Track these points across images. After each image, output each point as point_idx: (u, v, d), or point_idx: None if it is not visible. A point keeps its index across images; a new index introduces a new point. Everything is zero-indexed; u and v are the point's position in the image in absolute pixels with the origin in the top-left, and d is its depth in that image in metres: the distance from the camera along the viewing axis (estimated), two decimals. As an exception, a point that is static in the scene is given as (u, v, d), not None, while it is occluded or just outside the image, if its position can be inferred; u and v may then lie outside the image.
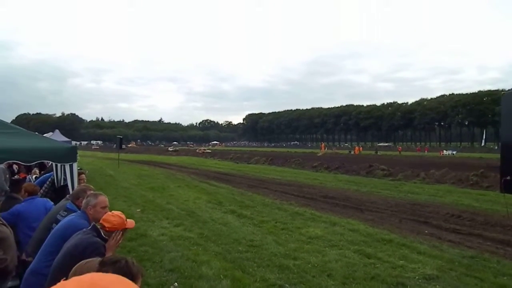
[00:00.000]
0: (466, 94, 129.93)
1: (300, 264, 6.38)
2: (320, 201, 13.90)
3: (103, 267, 1.81)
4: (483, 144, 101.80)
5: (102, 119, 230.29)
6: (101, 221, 2.94)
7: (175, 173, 26.21)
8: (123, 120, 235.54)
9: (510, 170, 3.82)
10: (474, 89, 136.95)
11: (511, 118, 3.90)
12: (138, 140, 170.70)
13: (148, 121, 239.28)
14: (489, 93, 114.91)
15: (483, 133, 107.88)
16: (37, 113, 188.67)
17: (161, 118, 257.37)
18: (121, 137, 33.10)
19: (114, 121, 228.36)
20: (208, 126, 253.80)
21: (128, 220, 3.03)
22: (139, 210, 11.39)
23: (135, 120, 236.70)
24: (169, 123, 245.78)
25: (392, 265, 6.38)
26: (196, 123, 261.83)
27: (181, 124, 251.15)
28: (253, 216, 10.64)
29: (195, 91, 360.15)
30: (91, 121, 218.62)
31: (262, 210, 11.57)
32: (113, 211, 3.08)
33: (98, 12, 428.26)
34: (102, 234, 2.90)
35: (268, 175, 24.68)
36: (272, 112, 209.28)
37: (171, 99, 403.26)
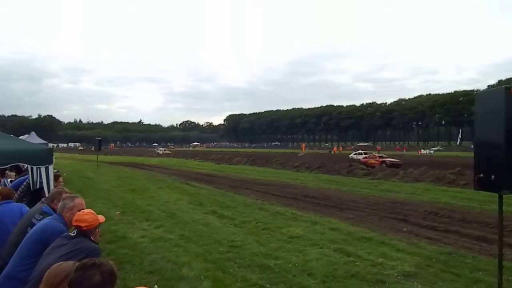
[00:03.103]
0: (443, 94, 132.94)
1: (281, 263, 6.39)
2: (302, 200, 13.97)
3: (87, 271, 1.78)
4: (459, 143, 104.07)
5: (80, 120, 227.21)
6: (75, 223, 2.89)
7: (156, 174, 25.98)
8: (102, 122, 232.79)
9: (483, 168, 3.90)
10: (451, 89, 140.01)
11: (484, 118, 3.98)
12: (118, 142, 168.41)
13: (128, 122, 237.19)
14: (465, 93, 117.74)
15: (459, 132, 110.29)
16: (12, 115, 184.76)
17: (141, 120, 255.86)
18: (100, 138, 32.57)
19: (92, 122, 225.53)
20: (189, 127, 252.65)
21: (98, 215, 3.03)
22: (118, 212, 11.24)
23: (114, 122, 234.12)
24: (149, 124, 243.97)
25: (371, 262, 6.45)
26: (177, 124, 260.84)
27: (161, 125, 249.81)
28: (234, 216, 10.62)
29: (175, 91, 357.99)
30: (69, 122, 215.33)
31: (243, 211, 11.57)
32: (82, 210, 3.05)
33: (76, 11, 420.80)
34: (92, 238, 2.89)
35: (250, 176, 24.69)
36: (253, 113, 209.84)
37: (151, 100, 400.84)
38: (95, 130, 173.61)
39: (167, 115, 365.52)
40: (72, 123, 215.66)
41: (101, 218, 3.08)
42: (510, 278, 5.60)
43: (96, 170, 27.85)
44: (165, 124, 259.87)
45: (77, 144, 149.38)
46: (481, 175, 3.93)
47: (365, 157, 36.63)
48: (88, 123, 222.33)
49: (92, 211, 3.00)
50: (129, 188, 17.45)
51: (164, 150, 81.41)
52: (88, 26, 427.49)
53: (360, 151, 49.07)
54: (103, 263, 1.81)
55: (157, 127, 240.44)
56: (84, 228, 2.86)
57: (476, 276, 5.78)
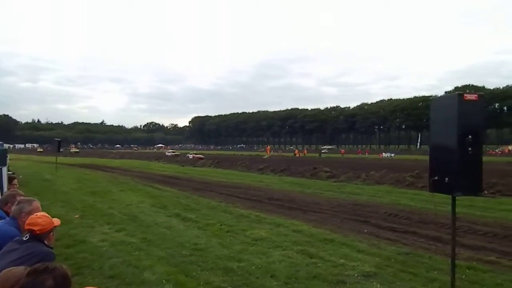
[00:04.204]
0: (404, 99, 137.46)
1: (244, 266, 6.39)
2: (266, 203, 14.04)
3: (39, 276, 1.72)
4: (419, 146, 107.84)
5: (39, 120, 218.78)
6: (28, 226, 2.79)
7: (118, 176, 25.39)
8: (62, 122, 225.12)
9: (437, 171, 4.07)
10: (411, 94, 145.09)
11: (439, 123, 4.16)
12: (79, 143, 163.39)
13: (90, 123, 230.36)
14: (424, 98, 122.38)
15: (418, 136, 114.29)
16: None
17: (103, 120, 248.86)
18: (60, 139, 31.49)
19: (52, 123, 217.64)
20: (153, 128, 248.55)
21: (53, 218, 2.93)
22: (77, 215, 10.91)
23: (75, 122, 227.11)
24: (112, 125, 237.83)
25: (333, 264, 6.56)
26: (141, 126, 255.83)
27: (124, 127, 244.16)
28: (198, 219, 10.53)
29: (139, 92, 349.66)
30: (27, 122, 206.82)
31: (207, 213, 11.50)
32: (36, 213, 2.95)
33: (34, 6, 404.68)
34: (46, 242, 2.78)
35: (214, 178, 24.57)
36: (219, 115, 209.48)
37: (114, 100, 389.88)
38: (54, 131, 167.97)
39: (131, 116, 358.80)
40: (30, 123, 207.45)
41: (56, 222, 2.97)
42: (463, 276, 5.85)
43: (54, 172, 26.90)
44: (129, 125, 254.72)
45: (35, 145, 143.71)
46: (436, 177, 4.10)
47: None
48: (47, 123, 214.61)
49: (46, 214, 2.89)
50: (90, 190, 16.96)
51: (174, 152, 71.39)
52: (48, 22, 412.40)
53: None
54: (56, 268, 1.76)
55: (120, 128, 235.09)
56: (38, 232, 2.76)
57: (431, 275, 6.00)
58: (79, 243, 7.82)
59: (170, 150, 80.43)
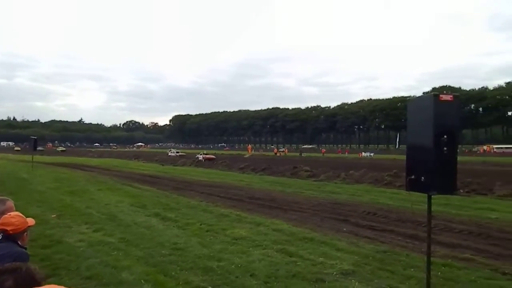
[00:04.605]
0: (383, 99, 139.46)
1: (224, 265, 6.38)
2: (246, 202, 14.05)
3: (1, 276, 1.68)
4: (397, 146, 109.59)
5: (14, 118, 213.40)
6: (1, 226, 2.71)
7: (97, 175, 25.00)
8: (38, 120, 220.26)
9: (414, 170, 4.15)
10: (391, 95, 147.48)
11: (415, 123, 4.24)
12: (56, 142, 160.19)
13: (68, 121, 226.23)
14: (403, 99, 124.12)
15: (397, 136, 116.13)
16: None
17: (81, 119, 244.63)
18: (36, 137, 30.73)
19: (28, 120, 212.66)
20: (133, 127, 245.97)
21: (28, 218, 2.86)
22: (54, 215, 10.69)
23: (52, 120, 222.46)
24: (91, 123, 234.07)
25: (312, 262, 6.62)
26: (120, 124, 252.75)
27: (103, 125, 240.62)
28: (178, 218, 10.46)
29: (119, 90, 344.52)
30: (2, 120, 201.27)
31: (187, 213, 11.43)
32: (10, 213, 2.87)
33: (11, 0, 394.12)
34: (19, 243, 2.71)
35: (195, 177, 24.46)
36: (200, 114, 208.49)
37: (93, 98, 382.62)
38: (30, 129, 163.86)
39: (110, 114, 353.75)
40: (5, 120, 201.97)
41: (30, 221, 2.90)
42: (439, 273, 5.97)
43: (31, 171, 26.30)
44: (108, 123, 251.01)
45: (11, 143, 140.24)
46: (412, 177, 4.18)
47: None
48: (23, 121, 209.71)
49: (20, 214, 2.82)
50: (67, 190, 16.65)
51: (178, 152, 63.19)
52: (25, 18, 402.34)
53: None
54: (19, 268, 1.71)
55: (99, 127, 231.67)
56: (11, 232, 2.69)
57: (408, 273, 6.11)
58: (56, 243, 7.67)
59: (174, 150, 70.00)
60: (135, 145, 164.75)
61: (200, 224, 9.71)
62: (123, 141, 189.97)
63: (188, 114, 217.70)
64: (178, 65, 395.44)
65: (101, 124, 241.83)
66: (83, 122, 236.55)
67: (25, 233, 2.81)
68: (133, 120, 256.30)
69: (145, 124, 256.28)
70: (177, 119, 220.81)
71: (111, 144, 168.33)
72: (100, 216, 10.71)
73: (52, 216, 10.55)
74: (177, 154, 60.16)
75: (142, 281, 5.58)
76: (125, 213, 11.33)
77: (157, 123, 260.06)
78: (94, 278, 5.68)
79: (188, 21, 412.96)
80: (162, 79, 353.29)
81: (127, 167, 35.45)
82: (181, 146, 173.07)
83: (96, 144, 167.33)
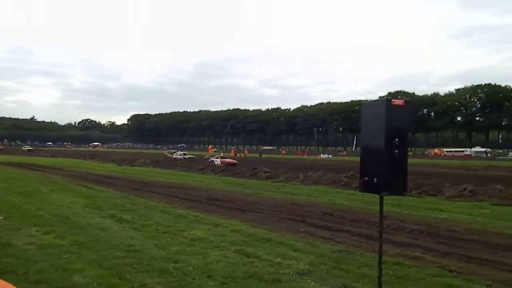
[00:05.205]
0: (341, 103, 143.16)
1: (181, 267, 6.31)
2: (205, 203, 13.97)
3: None
4: (354, 148, 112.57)
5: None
6: None
7: (50, 176, 24.07)
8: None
9: (367, 172, 4.29)
10: (349, 98, 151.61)
11: (368, 126, 4.38)
12: (5, 140, 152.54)
13: (18, 118, 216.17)
14: (360, 103, 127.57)
15: (354, 138, 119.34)
16: None
17: (33, 116, 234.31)
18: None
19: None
20: (89, 126, 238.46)
21: None
22: (1, 217, 10.17)
23: (1, 117, 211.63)
24: (44, 121, 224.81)
25: (269, 262, 6.67)
26: (75, 123, 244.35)
27: (57, 123, 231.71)
28: (134, 220, 10.24)
29: (74, 87, 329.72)
30: None
31: (144, 214, 11.22)
32: None
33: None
34: None
35: (153, 178, 24.06)
36: (159, 114, 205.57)
37: (45, 95, 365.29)
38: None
39: (65, 112, 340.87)
40: None
41: None
42: (391, 272, 6.18)
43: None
44: (62, 122, 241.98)
45: None
46: (366, 178, 4.31)
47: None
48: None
49: None
50: (17, 191, 15.90)
51: (185, 155, 52.03)
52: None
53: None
54: None
55: (52, 125, 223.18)
56: None
57: (362, 271, 6.28)
58: (3, 246, 7.31)
59: (179, 152, 59.72)
60: (91, 144, 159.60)
61: (157, 226, 9.55)
62: (78, 140, 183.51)
63: (147, 114, 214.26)
64: (138, 63, 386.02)
65: (55, 122, 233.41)
66: (35, 120, 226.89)
67: None
68: (89, 119, 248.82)
69: (102, 123, 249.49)
70: (135, 119, 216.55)
71: (65, 143, 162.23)
72: (52, 218, 10.30)
73: (-1, 218, 10.05)
74: (184, 157, 49.96)
75: (95, 284, 5.41)
76: (79, 214, 10.96)
77: (114, 122, 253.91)
78: (44, 282, 5.46)
79: (148, 19, 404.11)
80: (120, 77, 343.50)
81: (82, 167, 34.40)
82: (139, 146, 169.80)
83: (49, 143, 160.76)
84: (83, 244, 7.66)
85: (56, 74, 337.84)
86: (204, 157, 50.95)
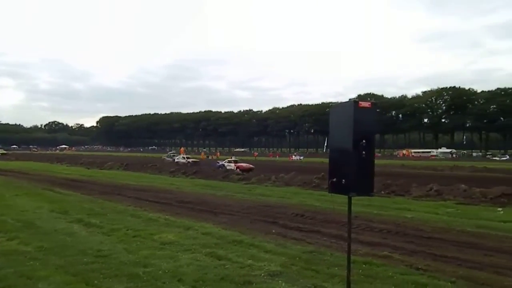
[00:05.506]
0: (312, 105, 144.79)
1: (151, 271, 6.22)
2: (176, 206, 13.83)
3: None
4: (325, 150, 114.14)
5: None
6: None
7: (14, 180, 23.26)
8: None
9: (335, 173, 4.35)
10: (320, 100, 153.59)
11: (336, 128, 4.45)
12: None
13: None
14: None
15: (325, 140, 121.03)
16: None
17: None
18: None
19: None
20: (55, 128, 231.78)
21: None
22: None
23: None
24: (8, 124, 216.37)
25: (241, 265, 6.66)
26: (42, 125, 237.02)
27: (22, 126, 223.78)
28: (102, 224, 10.02)
29: (40, 89, 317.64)
30: None
31: (113, 218, 11.00)
32: None
33: None
34: None
35: (123, 181, 23.63)
36: (130, 116, 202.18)
37: (9, 96, 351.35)
38: None
39: (30, 114, 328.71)
40: None
41: None
42: (360, 271, 6.29)
43: None
44: (27, 124, 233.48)
45: None
46: (334, 179, 4.38)
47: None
48: None
49: None
50: (-22, 196, 15.30)
51: (189, 158, 46.93)
52: None
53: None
54: None
55: (17, 128, 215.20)
56: None
57: (332, 271, 6.36)
58: (-37, 254, 7.02)
59: (182, 155, 52.80)
60: (58, 147, 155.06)
61: (127, 230, 9.39)
62: (44, 143, 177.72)
63: (117, 116, 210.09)
64: (107, 64, 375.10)
65: (19, 124, 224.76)
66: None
67: None
68: (56, 121, 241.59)
69: (70, 125, 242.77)
70: (104, 121, 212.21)
71: (31, 146, 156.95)
72: (15, 224, 9.97)
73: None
74: (188, 161, 45.00)
75: (61, 291, 5.27)
76: (44, 220, 10.64)
77: (82, 124, 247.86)
78: (6, 291, 5.28)
79: (118, 19, 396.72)
80: (89, 78, 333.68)
81: (49, 170, 33.46)
82: (109, 148, 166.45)
83: (14, 146, 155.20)
84: (48, 250, 7.44)
85: (20, 75, 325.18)
86: (216, 162, 45.02)
